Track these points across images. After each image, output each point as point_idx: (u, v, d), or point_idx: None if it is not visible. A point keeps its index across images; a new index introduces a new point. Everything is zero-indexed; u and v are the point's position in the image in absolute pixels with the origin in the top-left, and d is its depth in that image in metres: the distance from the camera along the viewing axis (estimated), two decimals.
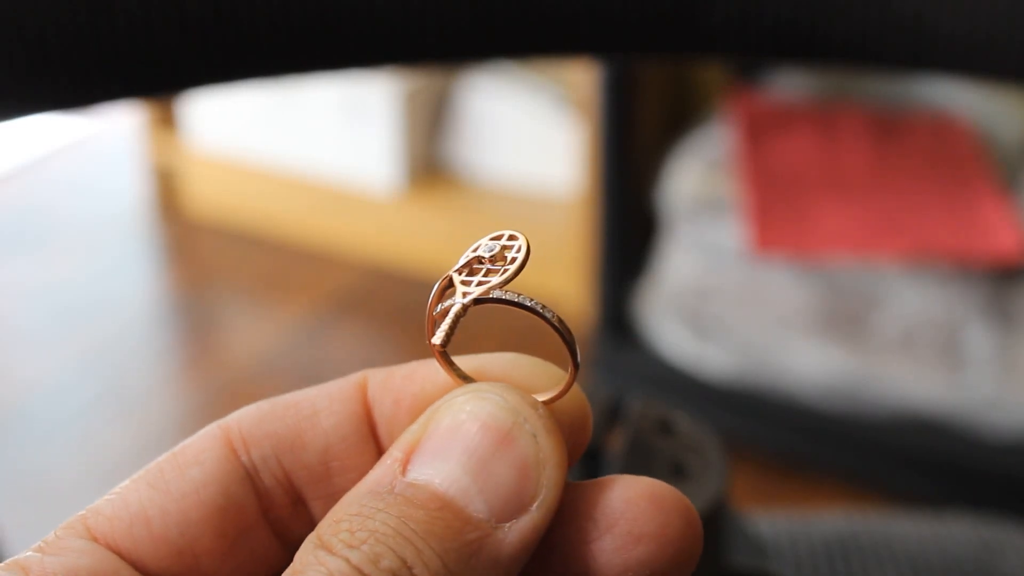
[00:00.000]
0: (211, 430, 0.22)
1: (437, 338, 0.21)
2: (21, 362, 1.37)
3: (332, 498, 0.22)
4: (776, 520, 0.46)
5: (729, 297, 1.15)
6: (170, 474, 0.22)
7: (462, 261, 0.22)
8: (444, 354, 0.21)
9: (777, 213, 1.16)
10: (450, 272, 0.22)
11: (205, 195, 1.66)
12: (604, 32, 0.43)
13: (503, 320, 1.35)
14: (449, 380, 0.22)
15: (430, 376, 0.22)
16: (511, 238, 0.22)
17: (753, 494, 1.15)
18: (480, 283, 0.21)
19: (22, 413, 1.28)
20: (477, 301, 0.21)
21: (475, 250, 0.22)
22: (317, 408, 0.22)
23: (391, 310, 1.47)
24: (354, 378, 0.23)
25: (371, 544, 0.19)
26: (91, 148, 1.86)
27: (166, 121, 1.67)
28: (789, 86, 1.34)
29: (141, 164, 1.73)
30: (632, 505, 0.21)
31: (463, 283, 0.22)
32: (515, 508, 0.20)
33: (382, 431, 0.22)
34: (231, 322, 1.49)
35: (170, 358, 1.42)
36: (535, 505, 0.20)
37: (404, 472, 0.20)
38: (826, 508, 1.13)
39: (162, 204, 1.70)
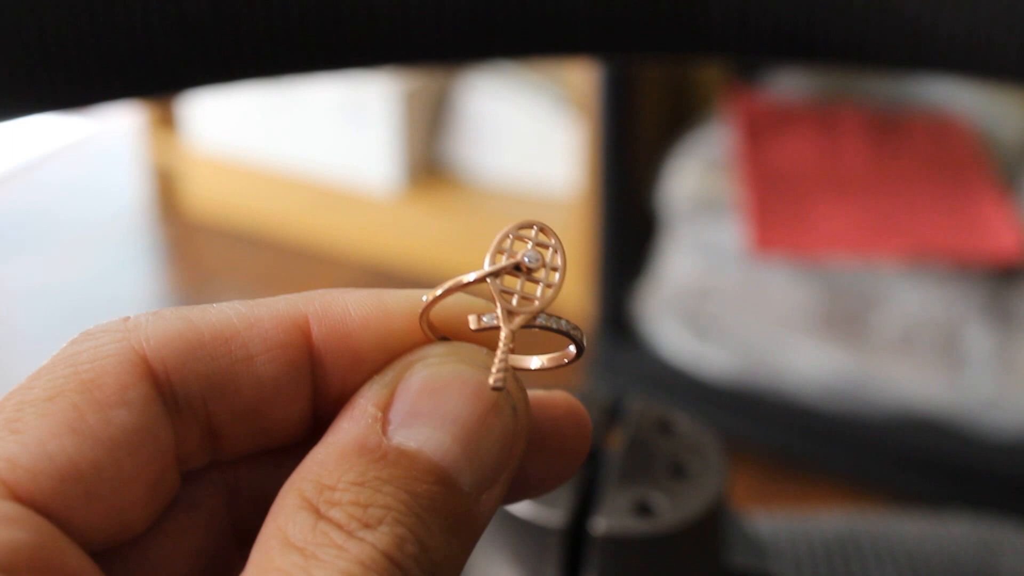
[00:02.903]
0: (126, 354, 0.19)
1: (497, 382, 0.19)
2: (21, 362, 1.37)
3: (250, 438, 0.21)
4: (776, 520, 0.46)
5: (729, 297, 1.15)
6: (93, 417, 0.18)
7: (497, 264, 0.20)
8: (429, 321, 0.21)
9: (777, 213, 1.16)
10: (484, 273, 0.20)
11: (205, 195, 1.65)
12: (604, 32, 0.43)
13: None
14: (417, 333, 0.21)
15: (389, 327, 0.21)
16: (543, 232, 0.21)
17: (753, 494, 1.15)
18: (523, 300, 0.20)
19: None
20: (531, 325, 0.20)
21: (505, 241, 0.20)
22: (252, 353, 0.20)
23: None
24: (291, 317, 0.20)
25: (390, 525, 0.18)
26: (91, 148, 1.86)
27: (166, 121, 1.67)
28: (789, 86, 1.34)
29: (141, 164, 1.73)
30: (560, 424, 0.21)
31: (503, 296, 0.20)
32: (491, 480, 0.19)
33: (332, 382, 0.21)
34: None
35: None
36: (504, 476, 0.20)
37: (385, 431, 0.19)
38: (826, 508, 1.13)
39: (162, 204, 1.69)
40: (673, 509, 0.34)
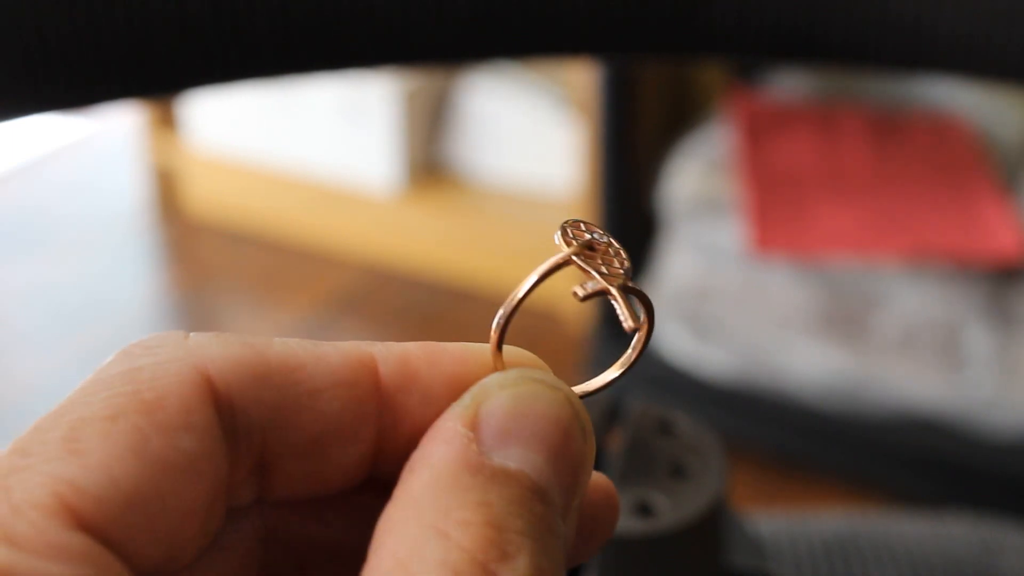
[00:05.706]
0: (189, 375, 0.18)
1: (629, 323, 0.21)
2: (21, 362, 1.37)
3: (301, 479, 0.20)
4: (776, 520, 0.46)
5: (729, 297, 1.15)
6: (157, 441, 0.17)
7: (578, 242, 0.21)
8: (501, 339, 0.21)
9: (777, 213, 1.16)
10: (568, 254, 0.21)
11: (205, 195, 1.66)
12: (604, 32, 0.43)
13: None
14: (484, 363, 0.21)
15: (459, 360, 0.21)
16: (587, 224, 0.22)
17: (753, 494, 1.15)
18: (612, 271, 0.21)
19: (22, 413, 1.28)
20: (625, 288, 0.21)
21: (566, 235, 0.22)
22: (318, 386, 0.19)
23: (391, 310, 1.47)
24: (359, 356, 0.20)
25: (527, 557, 0.17)
26: (91, 148, 1.86)
27: (166, 121, 1.67)
28: (789, 86, 1.34)
29: (141, 164, 1.73)
30: (596, 507, 0.21)
31: (595, 266, 0.21)
32: (569, 503, 0.19)
33: (402, 423, 0.20)
34: (231, 322, 1.49)
35: None
36: (576, 502, 0.20)
37: (481, 450, 0.19)
38: (826, 508, 1.13)
39: (162, 204, 1.70)
40: (673, 509, 0.34)
